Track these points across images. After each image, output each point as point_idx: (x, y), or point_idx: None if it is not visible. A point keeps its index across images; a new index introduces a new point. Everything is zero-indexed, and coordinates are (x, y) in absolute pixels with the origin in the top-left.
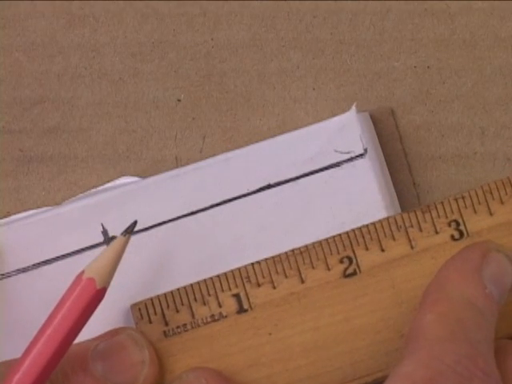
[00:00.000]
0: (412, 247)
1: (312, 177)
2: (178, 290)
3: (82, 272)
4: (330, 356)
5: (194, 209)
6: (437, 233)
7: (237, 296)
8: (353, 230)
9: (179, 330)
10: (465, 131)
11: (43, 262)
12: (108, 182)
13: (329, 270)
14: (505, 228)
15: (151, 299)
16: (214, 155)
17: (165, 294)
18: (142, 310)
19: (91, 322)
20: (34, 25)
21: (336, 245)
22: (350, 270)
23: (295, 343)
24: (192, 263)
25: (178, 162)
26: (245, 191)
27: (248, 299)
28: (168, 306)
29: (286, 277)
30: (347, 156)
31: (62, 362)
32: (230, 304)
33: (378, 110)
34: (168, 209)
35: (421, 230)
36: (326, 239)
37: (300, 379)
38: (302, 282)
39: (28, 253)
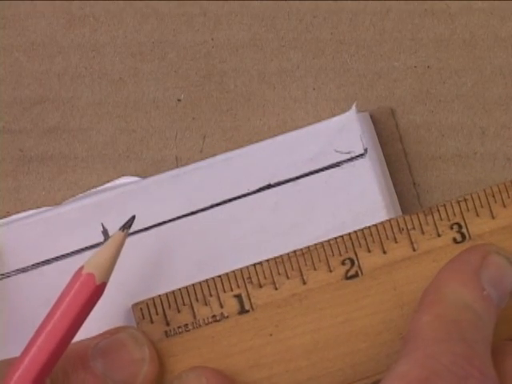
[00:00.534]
0: (414, 249)
1: (312, 177)
2: (180, 290)
3: (82, 267)
4: (331, 357)
5: (194, 209)
6: (439, 235)
7: (238, 297)
8: (355, 232)
9: (180, 330)
10: (465, 131)
11: (43, 261)
12: (108, 181)
13: (330, 271)
14: (507, 231)
15: (153, 299)
16: (214, 155)
17: (166, 294)
18: (144, 310)
19: (92, 322)
20: (33, 25)
21: (338, 246)
22: (351, 272)
23: (296, 344)
24: (192, 263)
25: (178, 162)
26: (245, 191)
27: (250, 300)
28: (169, 306)
29: (288, 278)
30: (347, 156)
31: (62, 359)
32: (232, 304)
33: (378, 110)
34: (168, 209)
35: (423, 232)
36: (328, 241)
37: (301, 380)
38: (304, 283)
39: (28, 253)
